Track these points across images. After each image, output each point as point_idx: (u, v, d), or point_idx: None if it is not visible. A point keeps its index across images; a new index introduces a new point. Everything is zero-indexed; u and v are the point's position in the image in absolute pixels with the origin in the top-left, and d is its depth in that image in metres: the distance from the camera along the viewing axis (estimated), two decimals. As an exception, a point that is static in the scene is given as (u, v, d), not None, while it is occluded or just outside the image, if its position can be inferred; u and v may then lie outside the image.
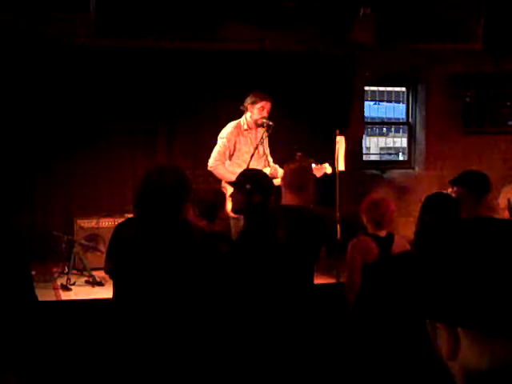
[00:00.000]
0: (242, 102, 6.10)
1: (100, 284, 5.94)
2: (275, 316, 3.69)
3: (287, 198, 4.08)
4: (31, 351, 3.10)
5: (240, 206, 4.06)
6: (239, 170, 5.73)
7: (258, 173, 4.40)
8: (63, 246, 6.37)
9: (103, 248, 6.16)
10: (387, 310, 3.41)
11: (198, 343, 3.20)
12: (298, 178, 4.14)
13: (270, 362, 3.65)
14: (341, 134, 6.11)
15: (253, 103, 6.04)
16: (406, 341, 3.26)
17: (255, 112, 6.03)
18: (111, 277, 3.66)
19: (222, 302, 3.38)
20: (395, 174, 8.50)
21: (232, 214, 4.95)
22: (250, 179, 4.05)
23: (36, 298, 3.14)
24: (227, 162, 6.05)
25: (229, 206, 4.66)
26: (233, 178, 5.40)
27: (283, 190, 4.14)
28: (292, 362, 3.70)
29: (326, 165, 5.88)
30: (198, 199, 4.23)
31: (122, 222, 3.57)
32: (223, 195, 4.59)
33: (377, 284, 3.70)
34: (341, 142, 6.07)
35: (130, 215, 3.64)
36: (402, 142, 8.97)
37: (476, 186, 3.99)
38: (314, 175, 5.80)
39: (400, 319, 3.27)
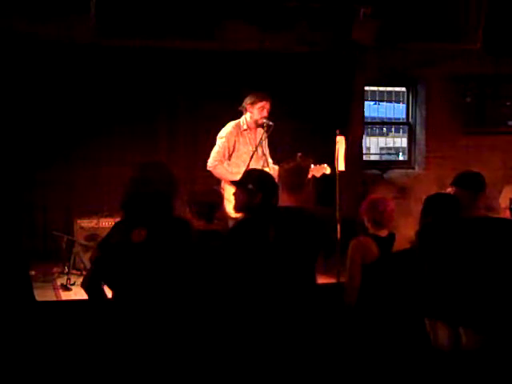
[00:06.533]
0: (242, 102, 6.10)
1: (100, 284, 5.94)
2: (269, 315, 3.69)
3: (284, 199, 4.09)
4: (30, 351, 3.10)
5: (242, 205, 4.05)
6: (237, 171, 5.75)
7: (262, 173, 4.40)
8: (63, 246, 6.37)
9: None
10: (387, 309, 3.41)
11: (193, 341, 3.20)
12: (293, 177, 4.15)
13: (268, 360, 3.65)
14: (341, 134, 6.10)
15: (252, 104, 6.03)
16: (406, 339, 3.26)
17: (255, 112, 6.03)
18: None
19: (215, 297, 3.38)
20: (395, 173, 8.50)
21: (229, 214, 4.95)
22: (254, 179, 4.05)
23: (34, 298, 3.14)
24: (226, 162, 6.05)
25: (228, 206, 4.66)
26: (231, 178, 5.40)
27: (280, 190, 4.14)
28: (290, 360, 3.70)
29: (325, 165, 5.89)
30: (196, 200, 4.23)
31: (120, 221, 3.57)
32: (220, 195, 4.59)
33: (377, 283, 3.70)
34: (341, 142, 6.07)
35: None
36: (402, 141, 8.98)
37: (470, 185, 4.02)
38: (314, 175, 5.82)
39: (400, 318, 3.27)
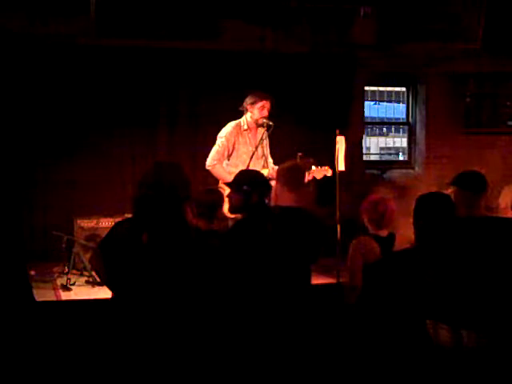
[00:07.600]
0: (242, 102, 6.10)
1: (100, 284, 5.93)
2: (265, 315, 3.69)
3: (283, 198, 4.08)
4: (30, 351, 3.09)
5: (237, 206, 4.05)
6: (235, 171, 5.74)
7: (255, 173, 4.40)
8: (63, 246, 6.37)
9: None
10: (389, 309, 3.41)
11: (192, 342, 3.20)
12: (291, 176, 4.15)
13: (266, 360, 3.65)
14: (341, 134, 6.10)
15: (252, 103, 6.02)
16: (408, 340, 3.26)
17: (256, 112, 6.02)
18: (99, 276, 3.65)
19: (214, 297, 3.38)
20: (395, 173, 8.50)
21: (227, 215, 4.95)
22: (248, 180, 4.04)
23: (34, 298, 3.14)
24: (225, 162, 6.04)
25: (224, 206, 4.66)
26: (230, 178, 5.39)
27: (279, 189, 4.14)
28: (288, 360, 3.70)
29: (327, 167, 5.88)
30: (196, 199, 4.23)
31: (121, 221, 3.56)
32: (221, 195, 4.59)
33: (379, 283, 3.70)
34: (341, 142, 6.07)
35: (130, 215, 3.62)
36: (402, 141, 8.98)
37: (470, 185, 4.00)
38: (314, 177, 5.82)
39: (401, 319, 3.27)
